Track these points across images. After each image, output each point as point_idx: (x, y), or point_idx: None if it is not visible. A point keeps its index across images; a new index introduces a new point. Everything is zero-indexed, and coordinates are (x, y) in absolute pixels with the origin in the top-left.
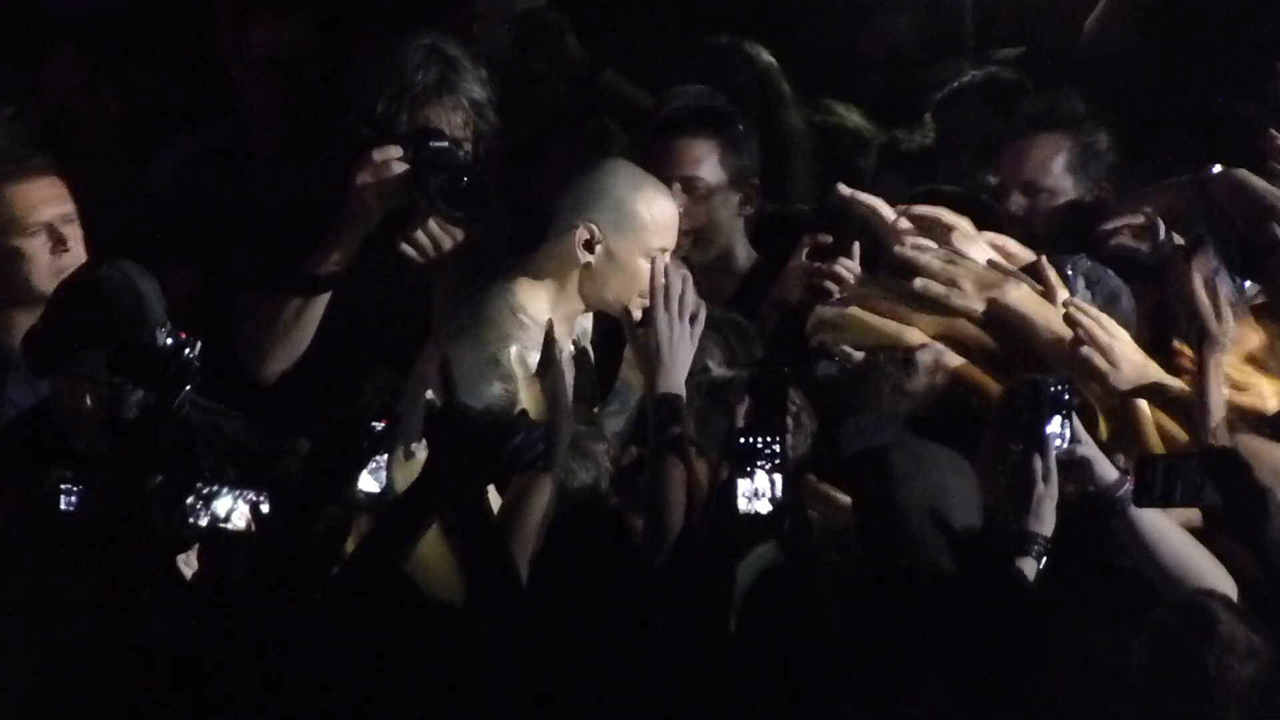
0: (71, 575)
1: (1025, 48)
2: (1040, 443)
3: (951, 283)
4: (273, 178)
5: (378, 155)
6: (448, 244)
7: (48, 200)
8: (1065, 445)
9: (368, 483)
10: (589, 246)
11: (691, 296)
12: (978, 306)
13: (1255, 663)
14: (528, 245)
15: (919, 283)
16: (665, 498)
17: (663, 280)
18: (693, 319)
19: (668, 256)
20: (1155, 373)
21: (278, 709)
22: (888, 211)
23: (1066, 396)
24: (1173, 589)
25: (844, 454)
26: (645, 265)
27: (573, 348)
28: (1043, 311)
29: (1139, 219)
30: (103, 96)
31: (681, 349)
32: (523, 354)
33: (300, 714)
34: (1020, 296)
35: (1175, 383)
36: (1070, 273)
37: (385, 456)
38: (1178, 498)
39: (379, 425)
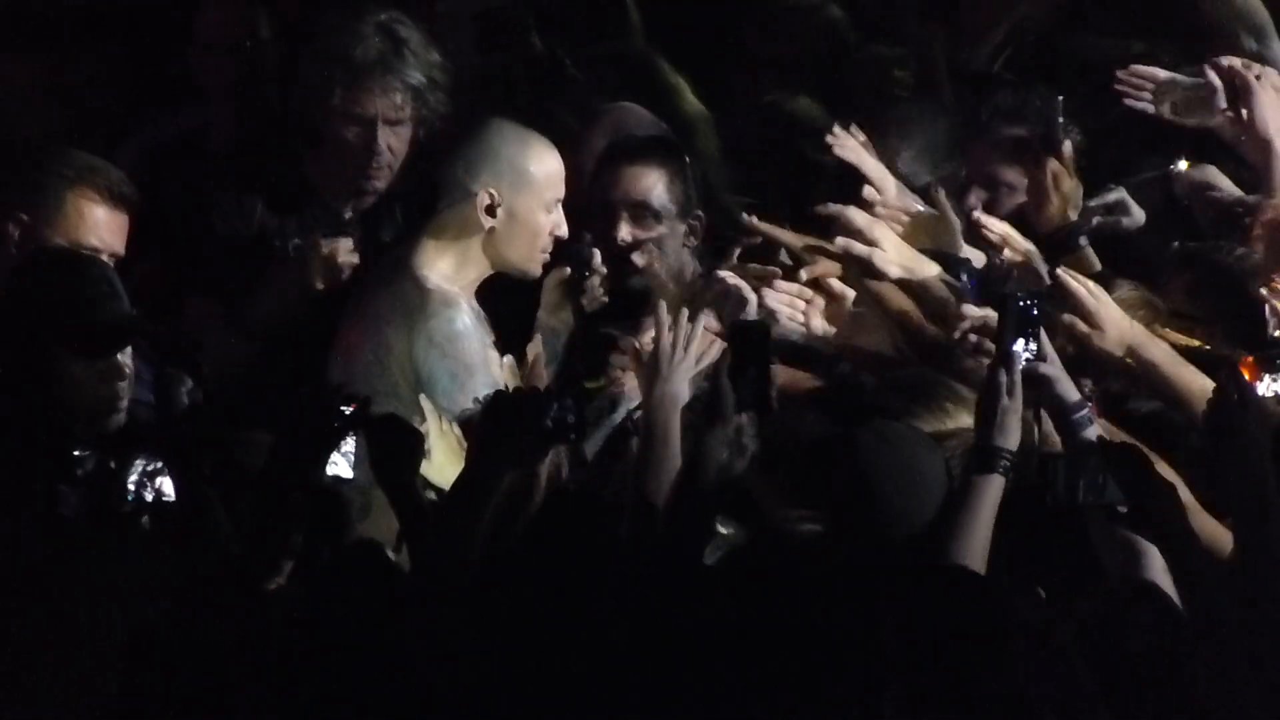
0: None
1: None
2: (1006, 356)
3: (874, 244)
4: (224, 180)
5: (326, 249)
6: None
7: (112, 232)
8: (1031, 360)
9: (341, 468)
10: (491, 211)
11: (699, 332)
12: (893, 272)
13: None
14: (419, 218)
15: (840, 241)
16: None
17: (665, 315)
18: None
19: (559, 207)
20: (1140, 335)
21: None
22: (862, 220)
23: (1035, 313)
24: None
25: (807, 442)
26: (545, 219)
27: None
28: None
29: None
30: (37, 106)
31: (681, 369)
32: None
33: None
34: (935, 278)
35: (1159, 345)
36: (964, 278)
37: (354, 441)
38: (1080, 497)
39: (348, 409)
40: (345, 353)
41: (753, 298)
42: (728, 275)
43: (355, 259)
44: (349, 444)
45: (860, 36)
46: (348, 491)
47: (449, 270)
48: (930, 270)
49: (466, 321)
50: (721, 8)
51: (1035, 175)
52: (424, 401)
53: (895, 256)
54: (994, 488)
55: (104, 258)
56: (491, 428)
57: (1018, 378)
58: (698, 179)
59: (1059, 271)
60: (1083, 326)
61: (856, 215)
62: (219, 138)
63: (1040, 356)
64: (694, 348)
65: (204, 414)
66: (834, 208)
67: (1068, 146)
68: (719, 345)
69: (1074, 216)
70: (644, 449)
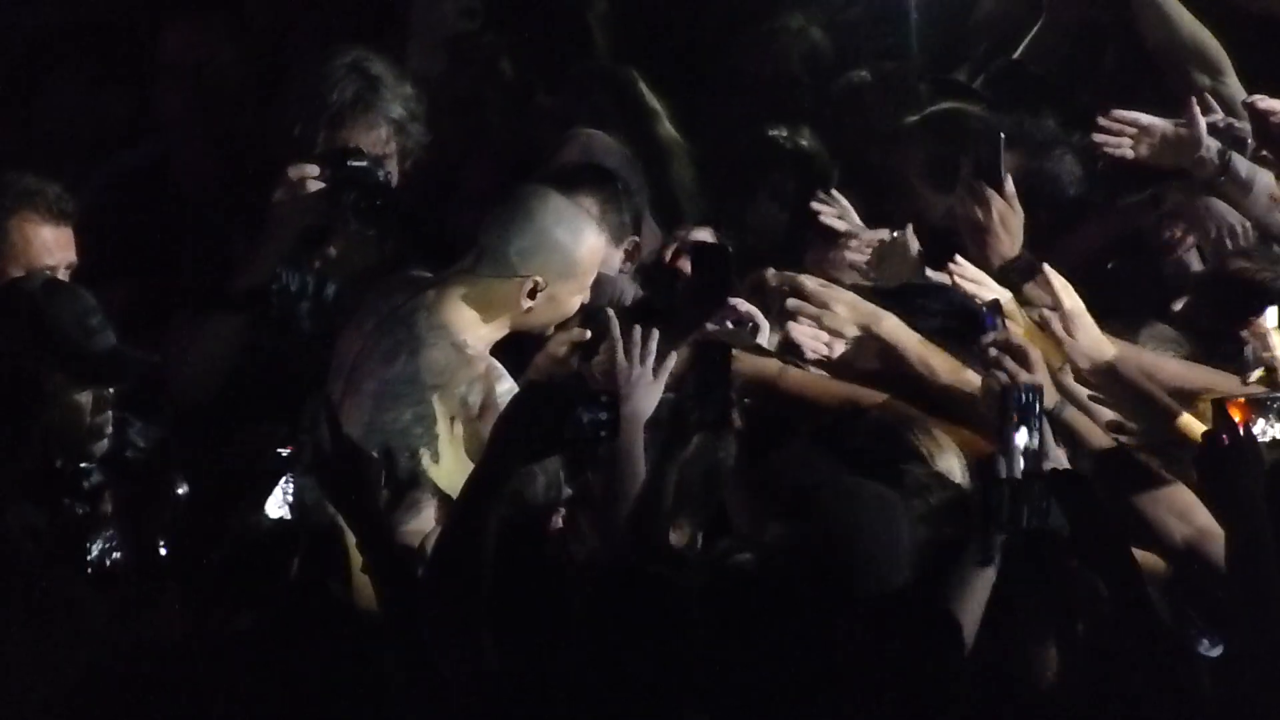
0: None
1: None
2: (1007, 449)
3: (825, 305)
4: (202, 205)
5: (293, 173)
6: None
7: (61, 247)
8: (1033, 451)
9: (275, 509)
10: (533, 295)
11: (653, 347)
12: (850, 331)
13: None
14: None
15: (791, 302)
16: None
17: (618, 334)
18: (657, 366)
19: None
20: (1110, 353)
21: None
22: (812, 285)
23: (1036, 407)
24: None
25: (775, 483)
26: (578, 300)
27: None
28: (914, 344)
29: None
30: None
31: (641, 384)
32: (488, 389)
33: None
34: (891, 326)
35: (1135, 371)
36: (984, 311)
37: (292, 484)
38: (1024, 521)
39: (284, 451)
40: (360, 399)
41: (764, 324)
42: (740, 303)
43: (320, 186)
44: (288, 487)
45: (839, 60)
46: (297, 532)
47: (478, 329)
48: (888, 322)
49: (510, 389)
50: (697, 29)
51: (980, 211)
52: (435, 404)
53: (849, 315)
54: (988, 577)
55: (62, 270)
56: (520, 419)
57: (1017, 470)
58: (635, 206)
59: (1045, 267)
60: (1058, 327)
61: (807, 281)
62: (181, 163)
63: (1041, 451)
64: (649, 362)
65: (159, 454)
66: (781, 277)
67: (1009, 183)
68: (674, 358)
69: (1017, 249)
70: (609, 467)
